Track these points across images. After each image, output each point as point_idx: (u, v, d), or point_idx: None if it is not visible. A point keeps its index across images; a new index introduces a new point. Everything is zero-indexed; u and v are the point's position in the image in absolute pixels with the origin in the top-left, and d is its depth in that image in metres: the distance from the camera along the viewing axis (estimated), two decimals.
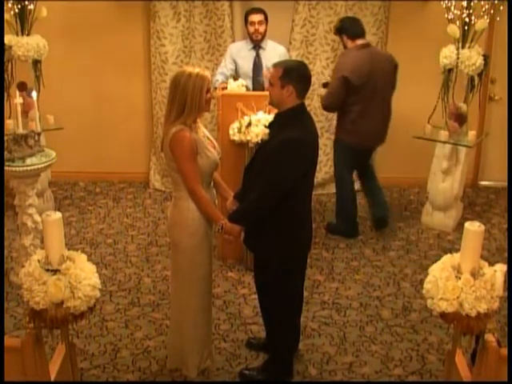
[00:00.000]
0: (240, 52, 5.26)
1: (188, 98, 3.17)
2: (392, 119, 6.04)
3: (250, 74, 5.23)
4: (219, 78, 5.19)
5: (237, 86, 4.72)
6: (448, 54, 5.13)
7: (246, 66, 5.24)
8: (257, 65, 5.24)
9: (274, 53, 5.16)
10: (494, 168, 6.26)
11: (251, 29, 5.18)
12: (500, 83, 5.95)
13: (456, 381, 3.03)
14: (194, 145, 3.20)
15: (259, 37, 5.19)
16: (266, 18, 5.18)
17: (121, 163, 6.19)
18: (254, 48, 5.25)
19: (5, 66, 5.12)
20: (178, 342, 3.57)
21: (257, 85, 5.13)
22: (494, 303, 2.78)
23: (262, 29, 5.16)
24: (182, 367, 3.61)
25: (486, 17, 5.01)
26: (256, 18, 5.14)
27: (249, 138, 4.40)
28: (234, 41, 5.76)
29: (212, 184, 3.44)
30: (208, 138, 3.38)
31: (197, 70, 3.22)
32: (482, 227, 2.78)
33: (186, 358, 3.55)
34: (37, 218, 4.26)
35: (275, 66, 3.30)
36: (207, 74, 3.24)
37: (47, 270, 2.76)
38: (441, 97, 5.25)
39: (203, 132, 3.37)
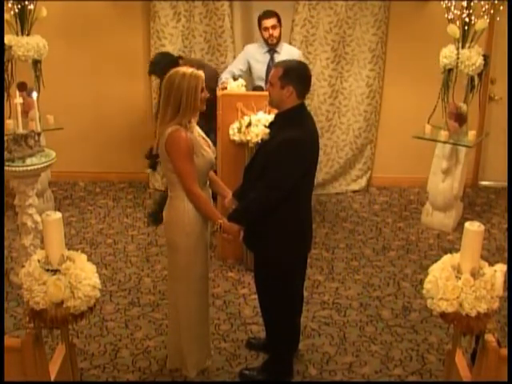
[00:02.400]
0: (255, 55, 5.25)
1: (183, 98, 3.17)
2: (392, 119, 6.09)
3: (264, 76, 5.22)
4: (228, 76, 5.18)
5: (236, 86, 4.72)
6: (448, 54, 5.13)
7: (260, 68, 5.24)
8: (270, 68, 5.22)
9: (288, 56, 5.10)
10: (494, 168, 6.26)
11: (265, 34, 5.17)
12: (500, 83, 5.95)
13: (456, 381, 3.03)
14: (190, 144, 3.20)
15: (274, 41, 5.19)
16: (279, 21, 5.16)
17: (121, 163, 6.19)
18: (269, 51, 5.25)
19: (5, 65, 5.12)
20: (176, 341, 3.57)
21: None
22: (494, 303, 2.78)
23: (276, 33, 5.16)
24: (182, 367, 3.61)
25: (485, 17, 5.01)
26: (269, 22, 5.13)
27: (249, 137, 4.40)
28: (233, 41, 5.77)
29: (208, 183, 3.44)
30: (203, 138, 3.38)
31: (190, 69, 3.23)
32: (482, 227, 2.78)
33: (185, 358, 3.56)
34: (37, 217, 4.26)
35: (275, 66, 3.31)
36: (201, 73, 3.25)
37: (47, 270, 2.76)
38: (441, 97, 5.25)
39: (198, 132, 3.37)
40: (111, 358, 3.80)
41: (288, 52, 5.23)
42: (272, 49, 5.24)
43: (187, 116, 3.21)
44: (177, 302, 3.48)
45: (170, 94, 3.19)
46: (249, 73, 5.31)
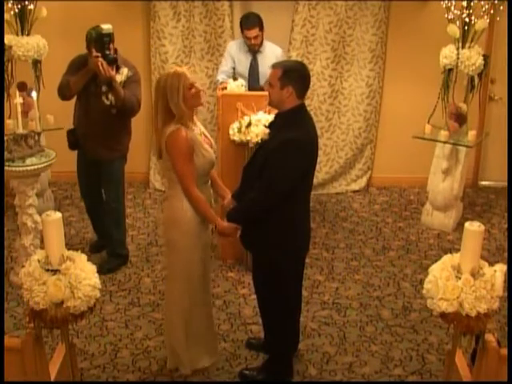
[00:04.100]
0: (238, 53, 5.28)
1: (169, 98, 3.18)
2: (392, 119, 6.09)
3: (246, 75, 5.25)
4: (224, 77, 5.19)
5: (236, 86, 4.72)
6: (448, 53, 5.13)
7: (243, 66, 5.26)
8: (253, 67, 5.27)
9: (271, 55, 5.18)
10: (494, 168, 6.26)
11: (247, 41, 5.21)
12: (500, 83, 5.94)
13: (456, 381, 3.03)
14: (190, 144, 3.20)
15: (257, 47, 5.23)
16: (262, 27, 5.16)
17: None
18: (251, 51, 5.26)
19: (5, 65, 5.12)
20: (173, 340, 3.57)
21: (254, 86, 5.13)
22: (494, 303, 2.78)
23: (258, 41, 5.19)
24: (179, 366, 3.61)
25: (486, 17, 5.01)
26: (251, 34, 5.13)
27: (249, 138, 4.40)
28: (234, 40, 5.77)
29: (209, 182, 3.44)
30: (205, 136, 3.38)
31: (173, 69, 3.26)
32: (482, 227, 2.78)
33: (180, 355, 3.56)
34: (37, 218, 4.26)
35: (274, 66, 3.29)
36: (183, 70, 3.24)
37: (47, 270, 2.76)
38: (441, 97, 5.25)
39: (200, 129, 3.37)
40: (111, 357, 3.80)
41: (271, 50, 5.26)
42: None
43: (183, 115, 3.21)
44: (173, 302, 3.48)
45: (157, 97, 3.23)
46: None
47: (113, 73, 4.27)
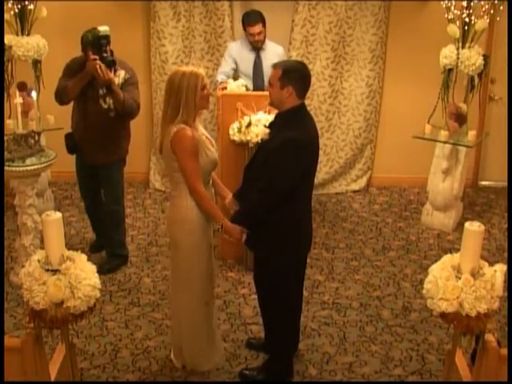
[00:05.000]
0: (240, 52, 5.27)
1: (183, 97, 3.18)
2: (392, 119, 6.09)
3: (250, 74, 5.25)
4: (224, 77, 5.20)
5: (236, 86, 4.72)
6: (448, 53, 5.13)
7: (247, 66, 5.26)
8: (257, 65, 5.26)
9: (273, 53, 5.19)
10: (494, 168, 6.26)
11: (251, 38, 5.21)
12: (500, 83, 5.94)
13: (456, 381, 3.04)
14: (195, 143, 3.22)
15: (260, 44, 5.24)
16: (264, 23, 5.18)
17: None
18: (254, 49, 5.26)
19: (5, 65, 5.12)
20: (180, 340, 3.58)
21: (259, 85, 5.13)
22: (494, 303, 2.79)
23: (261, 37, 5.20)
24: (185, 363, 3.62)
25: (486, 17, 5.01)
26: (255, 30, 5.14)
27: (249, 138, 4.40)
28: (234, 41, 5.77)
29: (210, 183, 3.44)
30: (206, 137, 3.39)
31: (190, 68, 3.26)
32: (482, 227, 2.79)
33: (188, 354, 3.56)
34: (37, 218, 4.26)
35: (274, 66, 3.30)
36: (201, 71, 3.26)
37: (47, 270, 2.76)
38: (441, 97, 5.25)
39: (201, 131, 3.38)
40: (111, 358, 3.80)
41: (273, 48, 5.28)
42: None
43: (190, 114, 3.22)
44: (181, 302, 3.48)
45: (171, 93, 3.22)
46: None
47: (111, 75, 4.23)
